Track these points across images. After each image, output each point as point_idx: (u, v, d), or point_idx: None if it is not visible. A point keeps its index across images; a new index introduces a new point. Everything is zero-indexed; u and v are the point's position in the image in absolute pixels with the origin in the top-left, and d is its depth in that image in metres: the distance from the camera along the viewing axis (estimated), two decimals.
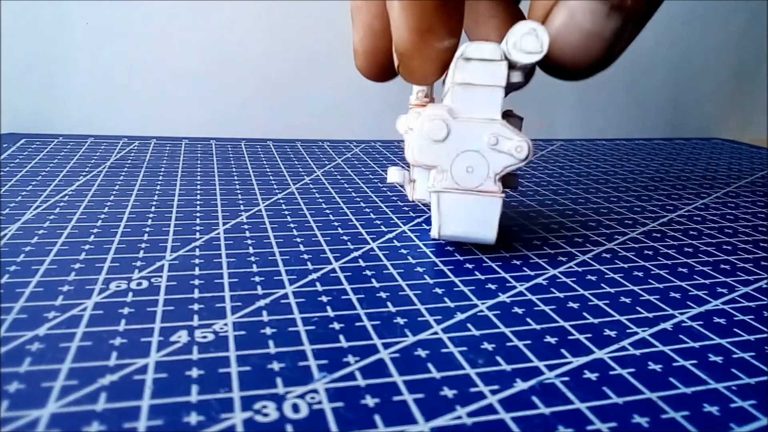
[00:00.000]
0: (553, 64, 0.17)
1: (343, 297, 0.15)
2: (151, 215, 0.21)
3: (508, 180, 0.19)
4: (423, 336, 0.14)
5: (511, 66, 0.17)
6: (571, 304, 0.16)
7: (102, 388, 0.11)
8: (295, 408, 0.11)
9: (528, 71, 0.18)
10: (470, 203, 0.17)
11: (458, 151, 0.17)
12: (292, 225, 0.21)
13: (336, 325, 0.14)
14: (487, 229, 0.17)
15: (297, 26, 0.38)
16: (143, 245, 0.18)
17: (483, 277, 0.17)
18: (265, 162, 0.30)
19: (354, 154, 0.32)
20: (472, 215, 0.17)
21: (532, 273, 0.18)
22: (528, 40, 0.16)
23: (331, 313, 0.15)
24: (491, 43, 0.17)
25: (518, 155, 0.17)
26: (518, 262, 0.18)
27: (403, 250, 0.19)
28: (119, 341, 0.13)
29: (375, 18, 0.19)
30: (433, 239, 0.20)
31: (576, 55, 0.17)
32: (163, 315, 0.14)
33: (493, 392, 0.12)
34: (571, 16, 0.16)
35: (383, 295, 0.16)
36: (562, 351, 0.13)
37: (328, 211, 0.22)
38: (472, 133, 0.17)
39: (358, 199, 0.24)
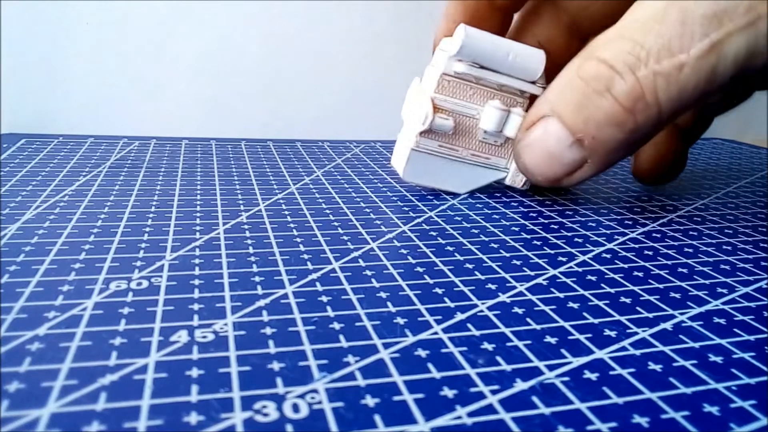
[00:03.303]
0: (521, 166, 0.21)
1: (343, 297, 0.15)
2: (151, 215, 0.21)
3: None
4: (423, 336, 0.14)
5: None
6: (571, 304, 0.16)
7: (102, 388, 0.11)
8: (295, 408, 0.11)
9: None
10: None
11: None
12: (292, 225, 0.21)
13: (336, 325, 0.14)
14: (398, 165, 0.25)
15: (297, 26, 0.38)
16: (143, 245, 0.18)
17: (483, 277, 0.17)
18: (265, 162, 0.30)
19: (354, 154, 0.32)
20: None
21: (532, 273, 0.18)
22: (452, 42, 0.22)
23: (331, 313, 0.15)
24: (452, 39, 0.22)
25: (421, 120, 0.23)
26: (518, 262, 0.18)
27: (403, 250, 0.19)
28: (119, 341, 0.13)
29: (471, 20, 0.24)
30: (434, 240, 0.20)
31: (538, 165, 0.20)
32: (163, 315, 0.14)
33: (494, 392, 0.12)
34: (544, 133, 0.20)
35: (383, 295, 0.16)
36: (562, 351, 0.13)
37: (328, 211, 0.22)
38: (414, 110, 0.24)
39: (358, 199, 0.24)
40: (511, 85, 0.23)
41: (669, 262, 0.19)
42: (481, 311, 0.15)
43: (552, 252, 0.19)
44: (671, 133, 0.26)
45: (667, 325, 0.15)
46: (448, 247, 0.19)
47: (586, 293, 0.16)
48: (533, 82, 0.23)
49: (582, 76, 0.18)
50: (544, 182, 0.21)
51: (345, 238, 0.20)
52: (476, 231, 0.21)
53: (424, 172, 0.24)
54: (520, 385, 0.12)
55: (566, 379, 0.12)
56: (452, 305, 0.15)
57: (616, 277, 0.18)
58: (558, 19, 0.25)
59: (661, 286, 0.17)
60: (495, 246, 0.20)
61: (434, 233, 0.20)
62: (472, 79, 0.23)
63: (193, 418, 0.11)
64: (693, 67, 0.17)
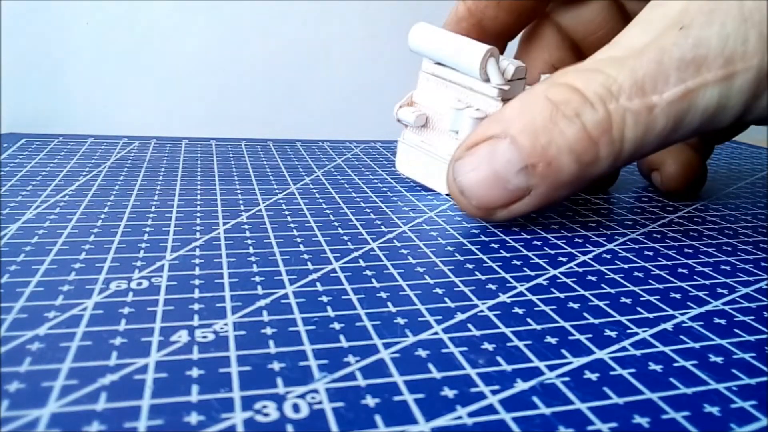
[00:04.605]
0: (454, 187, 0.20)
1: (344, 297, 0.15)
2: (151, 215, 0.21)
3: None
4: (423, 336, 0.14)
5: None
6: (571, 305, 0.16)
7: (102, 388, 0.11)
8: (296, 408, 0.11)
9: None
10: None
11: None
12: (292, 225, 0.21)
13: (336, 325, 0.14)
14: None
15: (297, 26, 0.38)
16: (143, 245, 0.18)
17: (483, 277, 0.17)
18: (265, 162, 0.30)
19: (354, 154, 0.32)
20: None
21: (533, 273, 0.18)
22: None
23: (331, 313, 0.15)
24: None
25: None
26: (518, 263, 0.18)
27: (403, 250, 0.19)
28: (119, 341, 0.13)
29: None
30: (434, 240, 0.20)
31: (476, 187, 0.19)
32: (164, 315, 0.14)
33: (494, 392, 0.12)
34: (492, 152, 0.18)
35: (383, 295, 0.16)
36: (563, 351, 0.13)
37: (328, 211, 0.22)
38: None
39: (358, 199, 0.24)
40: (476, 88, 0.23)
41: (669, 263, 0.19)
42: (482, 311, 0.15)
43: (552, 252, 0.19)
44: (694, 153, 0.26)
45: (668, 326, 0.15)
46: (449, 247, 0.19)
47: (586, 293, 0.16)
48: (489, 82, 0.22)
49: (551, 98, 0.18)
50: (476, 211, 0.20)
51: (345, 238, 0.20)
52: (476, 231, 0.21)
53: (412, 165, 0.26)
54: (521, 386, 0.12)
55: (567, 379, 0.12)
56: (452, 305, 0.15)
57: (616, 277, 0.18)
58: (563, 45, 0.26)
59: (661, 286, 0.17)
60: (495, 246, 0.20)
61: (434, 233, 0.20)
62: (447, 79, 0.23)
63: (194, 418, 0.11)
64: (663, 110, 0.17)
